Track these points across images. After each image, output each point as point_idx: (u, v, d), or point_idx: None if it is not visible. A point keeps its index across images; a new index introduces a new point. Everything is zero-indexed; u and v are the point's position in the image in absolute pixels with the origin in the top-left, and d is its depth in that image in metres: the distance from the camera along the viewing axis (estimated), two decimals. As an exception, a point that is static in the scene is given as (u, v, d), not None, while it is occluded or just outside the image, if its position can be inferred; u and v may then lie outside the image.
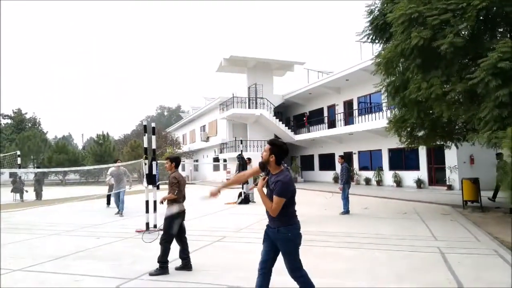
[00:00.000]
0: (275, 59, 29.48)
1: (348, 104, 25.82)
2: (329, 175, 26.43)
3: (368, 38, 11.36)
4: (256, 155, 24.61)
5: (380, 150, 22.32)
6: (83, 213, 12.10)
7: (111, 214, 11.52)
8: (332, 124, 26.41)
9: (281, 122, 28.45)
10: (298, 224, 3.38)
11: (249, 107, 28.51)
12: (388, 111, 17.21)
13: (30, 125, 50.46)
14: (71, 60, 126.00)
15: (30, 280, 4.86)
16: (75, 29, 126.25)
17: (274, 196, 3.20)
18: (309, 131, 28.36)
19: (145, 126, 9.11)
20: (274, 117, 28.20)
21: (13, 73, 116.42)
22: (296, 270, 3.37)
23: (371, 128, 20.58)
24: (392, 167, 21.57)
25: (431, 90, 8.18)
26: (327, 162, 27.37)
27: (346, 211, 10.45)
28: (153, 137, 8.87)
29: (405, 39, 8.56)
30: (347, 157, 24.68)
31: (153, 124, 9.17)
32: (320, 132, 26.52)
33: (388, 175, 21.62)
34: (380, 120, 19.61)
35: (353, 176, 23.48)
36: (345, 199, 10.54)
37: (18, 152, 19.34)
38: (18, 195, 17.64)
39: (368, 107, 23.69)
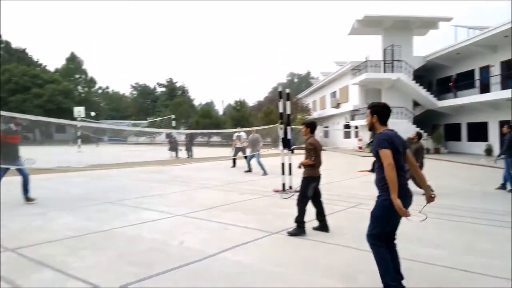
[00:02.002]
0: (416, 16, 26.55)
1: (506, 65, 21.88)
2: (480, 146, 23.20)
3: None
4: (391, 123, 22.96)
5: (550, 118, 18.54)
6: (226, 171, 13.45)
7: (249, 174, 12.61)
8: (485, 88, 22.89)
9: (421, 87, 25.95)
10: (406, 198, 3.11)
11: (384, 71, 26.69)
12: None
13: (180, 92, 57.19)
14: (210, 33, 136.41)
15: (190, 225, 5.72)
16: (211, 4, 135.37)
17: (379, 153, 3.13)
18: (456, 97, 25.21)
19: (280, 92, 9.40)
20: (413, 81, 25.83)
21: (166, 47, 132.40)
22: (374, 237, 3.21)
23: (539, 93, 17.16)
24: None
25: None
26: (477, 132, 24.02)
27: (504, 187, 9.07)
28: (288, 103, 9.14)
29: None
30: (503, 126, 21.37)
31: (287, 90, 9.43)
32: (470, 97, 23.27)
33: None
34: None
35: None
36: (508, 174, 9.08)
37: (173, 116, 22.34)
38: (174, 152, 20.54)
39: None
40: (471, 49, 23.27)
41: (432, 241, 3.83)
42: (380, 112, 3.28)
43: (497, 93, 20.67)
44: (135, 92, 59.42)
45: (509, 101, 19.92)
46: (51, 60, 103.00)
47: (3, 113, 4.53)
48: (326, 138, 38.66)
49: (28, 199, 7.22)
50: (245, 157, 13.80)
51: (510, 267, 3.91)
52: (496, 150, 21.69)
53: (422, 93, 25.70)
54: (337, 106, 34.48)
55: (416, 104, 27.41)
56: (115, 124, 37.85)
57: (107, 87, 61.31)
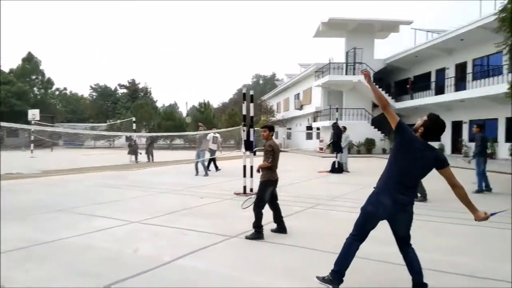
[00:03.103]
0: (378, 19, 27.47)
1: (460, 68, 23.11)
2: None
3: (491, -10, 9.86)
4: (352, 124, 23.90)
5: (496, 119, 19.74)
6: (187, 175, 13.16)
7: (211, 177, 12.47)
8: (440, 91, 24.03)
9: (380, 89, 26.81)
10: (378, 195, 3.19)
11: (346, 74, 27.38)
12: (510, 75, 14.98)
13: (142, 94, 55.63)
14: (175, 35, 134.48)
15: (146, 231, 5.52)
16: (177, 3, 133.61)
17: None
18: (412, 98, 26.28)
19: (244, 94, 9.35)
20: (374, 83, 26.59)
21: (127, 47, 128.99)
22: (354, 225, 3.32)
23: (487, 94, 18.23)
24: (509, 138, 18.97)
25: None
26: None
27: (482, 189, 9.03)
28: (251, 105, 9.10)
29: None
30: (455, 127, 22.50)
31: (251, 92, 9.39)
32: (425, 99, 24.39)
33: (503, 147, 19.11)
34: (499, 85, 17.22)
35: (468, 148, 21.24)
36: (480, 175, 9.12)
37: (133, 119, 21.68)
38: (133, 156, 19.86)
39: (485, 70, 20.89)
40: (429, 52, 24.37)
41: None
42: (427, 130, 3.15)
43: (450, 95, 21.77)
44: (94, 93, 57.14)
45: (461, 102, 21.04)
46: (6, 60, 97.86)
47: None
48: (289, 139, 39.10)
49: None
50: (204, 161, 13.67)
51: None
52: (448, 150, 22.82)
53: (381, 95, 26.51)
54: (300, 107, 34.98)
55: (375, 105, 28.31)
56: (72, 127, 36.34)
57: (65, 89, 58.60)
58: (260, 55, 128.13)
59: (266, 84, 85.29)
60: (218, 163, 14.61)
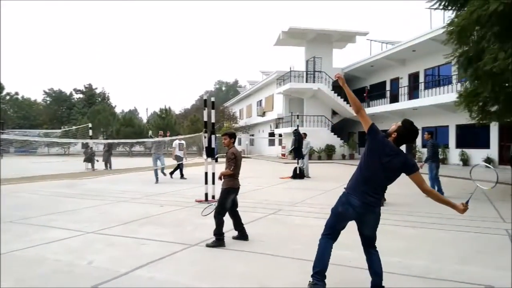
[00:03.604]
0: (336, 30, 28.33)
1: (413, 77, 24.32)
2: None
3: (439, 5, 10.47)
4: (312, 130, 24.48)
5: (447, 126, 20.92)
6: (148, 182, 12.84)
7: (172, 184, 12.19)
8: (394, 99, 25.15)
9: (339, 97, 27.65)
10: (347, 195, 3.26)
11: (306, 81, 27.97)
12: (459, 84, 15.98)
13: (99, 99, 53.77)
14: (135, 38, 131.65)
15: (102, 242, 5.29)
16: (139, 7, 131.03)
17: None
18: (369, 106, 27.27)
19: (205, 100, 9.30)
20: (332, 92, 27.42)
21: (84, 50, 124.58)
22: (325, 226, 3.40)
23: (438, 103, 19.29)
24: (459, 144, 20.18)
25: (508, 61, 7.41)
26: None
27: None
28: (212, 112, 9.07)
29: (482, 4, 7.78)
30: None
31: (212, 99, 9.34)
32: (381, 107, 25.39)
33: (454, 153, 20.29)
34: (449, 94, 18.30)
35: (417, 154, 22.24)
36: (432, 180, 9.55)
37: (90, 125, 20.85)
38: (90, 164, 19.04)
39: (436, 80, 22.13)
40: (383, 62, 25.47)
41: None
42: (400, 136, 3.20)
43: (404, 103, 22.79)
44: (48, 98, 54.45)
45: (415, 110, 22.10)
46: None
47: None
48: (252, 146, 39.26)
49: None
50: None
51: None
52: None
53: (340, 102, 27.38)
54: (263, 114, 35.28)
55: (334, 113, 29.10)
56: (24, 133, 34.36)
57: (16, 93, 55.51)
58: (222, 62, 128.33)
59: (229, 90, 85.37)
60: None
